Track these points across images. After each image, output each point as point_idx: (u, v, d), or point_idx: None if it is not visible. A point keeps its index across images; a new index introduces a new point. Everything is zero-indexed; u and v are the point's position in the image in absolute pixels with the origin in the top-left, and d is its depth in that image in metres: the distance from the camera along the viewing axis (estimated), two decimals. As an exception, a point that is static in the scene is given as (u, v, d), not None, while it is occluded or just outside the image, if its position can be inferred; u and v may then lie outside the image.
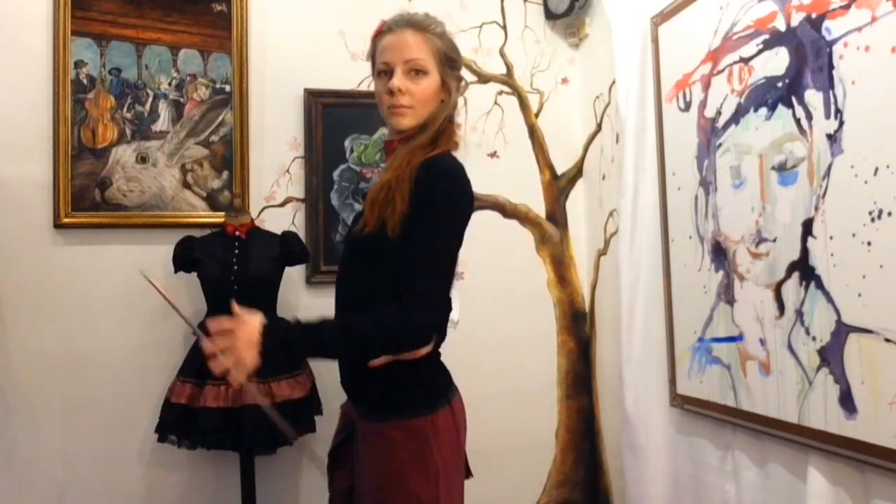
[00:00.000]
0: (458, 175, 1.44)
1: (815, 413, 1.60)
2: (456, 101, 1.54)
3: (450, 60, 1.52)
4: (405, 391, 1.45)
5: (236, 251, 2.38)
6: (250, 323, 1.28)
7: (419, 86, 1.46)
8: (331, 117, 2.71)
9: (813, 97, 1.60)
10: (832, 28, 1.54)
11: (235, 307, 1.31)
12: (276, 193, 2.68)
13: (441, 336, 1.50)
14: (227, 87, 2.64)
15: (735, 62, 1.87)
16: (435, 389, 1.48)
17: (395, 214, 1.37)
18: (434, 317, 1.39)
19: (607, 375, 2.72)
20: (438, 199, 1.39)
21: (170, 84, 2.60)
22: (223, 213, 2.49)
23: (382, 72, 1.49)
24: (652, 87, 2.27)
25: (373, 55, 1.55)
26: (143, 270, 1.45)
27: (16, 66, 2.48)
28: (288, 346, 1.33)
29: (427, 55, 1.47)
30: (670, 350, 2.19)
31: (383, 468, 1.41)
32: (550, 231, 2.90)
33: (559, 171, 2.92)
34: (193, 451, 2.36)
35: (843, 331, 1.52)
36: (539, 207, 2.90)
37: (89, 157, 2.52)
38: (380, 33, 1.52)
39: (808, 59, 1.61)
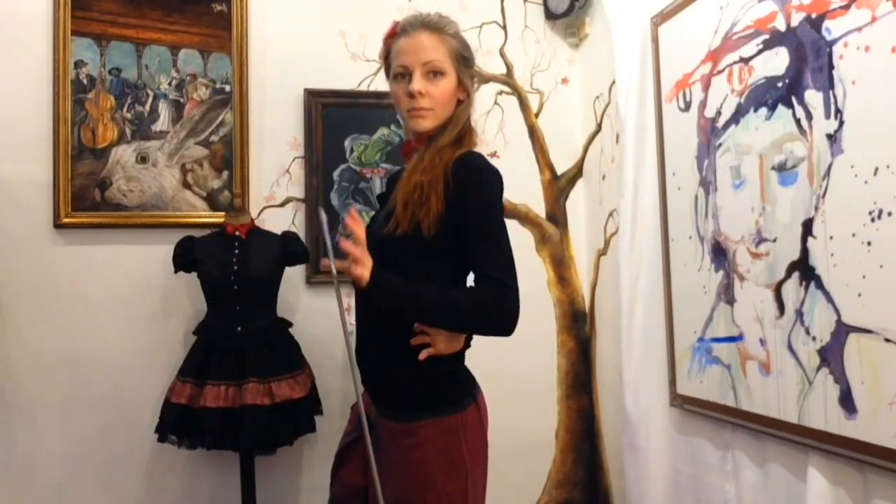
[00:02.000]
0: (494, 171, 1.47)
1: (815, 413, 1.60)
2: (474, 98, 1.57)
3: (465, 59, 1.53)
4: (436, 389, 1.46)
5: (236, 251, 2.38)
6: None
7: (438, 87, 1.48)
8: (331, 117, 2.71)
9: (813, 97, 1.60)
10: (832, 28, 1.54)
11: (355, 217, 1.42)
12: (276, 193, 2.68)
13: (470, 336, 1.54)
14: (227, 87, 2.64)
15: (735, 62, 1.87)
16: (464, 387, 1.51)
17: (431, 214, 1.40)
18: (519, 305, 1.41)
19: (607, 375, 2.72)
20: (486, 195, 1.44)
21: (170, 84, 2.60)
22: (223, 213, 2.49)
23: (400, 74, 1.50)
24: (652, 87, 2.27)
25: (386, 56, 1.55)
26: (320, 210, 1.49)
27: (16, 66, 2.48)
28: (390, 286, 1.39)
29: (444, 56, 1.48)
30: (670, 350, 2.19)
31: (411, 467, 1.42)
32: (550, 231, 2.90)
33: (559, 171, 2.92)
34: (193, 451, 2.36)
35: (843, 331, 1.52)
36: (539, 207, 2.90)
37: (89, 157, 2.52)
38: (393, 35, 1.53)
39: (808, 59, 1.61)
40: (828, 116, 1.55)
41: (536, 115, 2.91)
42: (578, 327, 2.89)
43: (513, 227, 2.85)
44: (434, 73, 1.47)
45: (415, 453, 1.42)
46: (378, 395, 1.53)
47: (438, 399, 1.46)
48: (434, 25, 1.49)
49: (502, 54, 2.88)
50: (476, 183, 1.43)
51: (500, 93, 2.88)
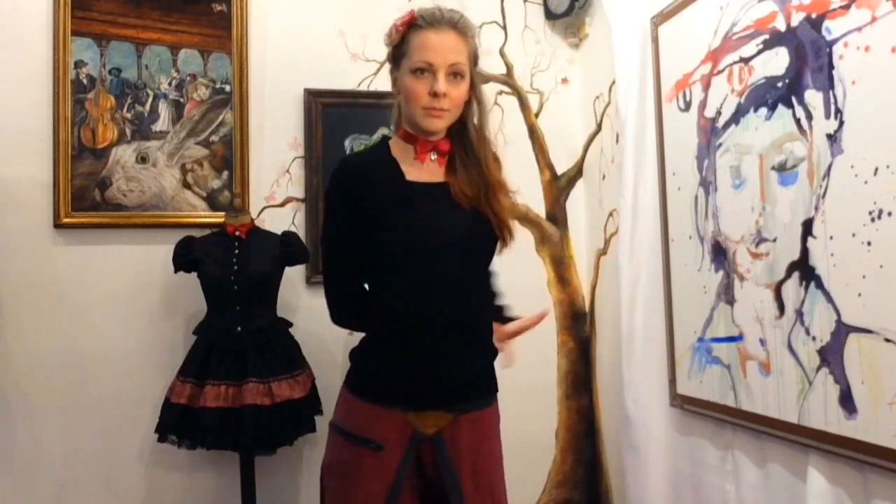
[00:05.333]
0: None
1: (815, 413, 1.60)
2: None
3: (476, 61, 1.55)
4: (494, 375, 1.64)
5: (236, 251, 2.38)
6: None
7: (458, 90, 1.48)
8: (331, 117, 2.70)
9: (813, 97, 1.60)
10: (832, 28, 1.54)
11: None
12: (276, 193, 2.68)
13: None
14: (227, 87, 2.64)
15: (735, 62, 1.87)
16: None
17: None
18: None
19: (607, 375, 2.72)
20: None
21: (170, 84, 2.60)
22: (223, 213, 2.49)
23: (420, 70, 1.45)
24: (652, 87, 2.27)
25: (398, 44, 1.50)
26: None
27: (16, 66, 2.48)
28: None
29: (466, 59, 1.49)
30: (670, 350, 2.19)
31: (490, 449, 1.55)
32: (550, 231, 2.89)
33: (559, 171, 2.92)
34: (193, 451, 2.36)
35: (843, 331, 1.52)
36: (539, 207, 2.90)
37: (89, 157, 2.52)
38: (412, 24, 1.47)
39: (808, 59, 1.61)
40: (828, 116, 1.55)
41: (536, 115, 2.91)
42: (578, 327, 2.89)
43: (512, 227, 2.86)
44: (456, 74, 1.47)
45: (490, 435, 1.56)
46: (470, 390, 1.55)
47: (496, 385, 1.61)
48: (461, 28, 1.49)
49: (502, 54, 2.88)
50: None
51: (500, 93, 2.87)
